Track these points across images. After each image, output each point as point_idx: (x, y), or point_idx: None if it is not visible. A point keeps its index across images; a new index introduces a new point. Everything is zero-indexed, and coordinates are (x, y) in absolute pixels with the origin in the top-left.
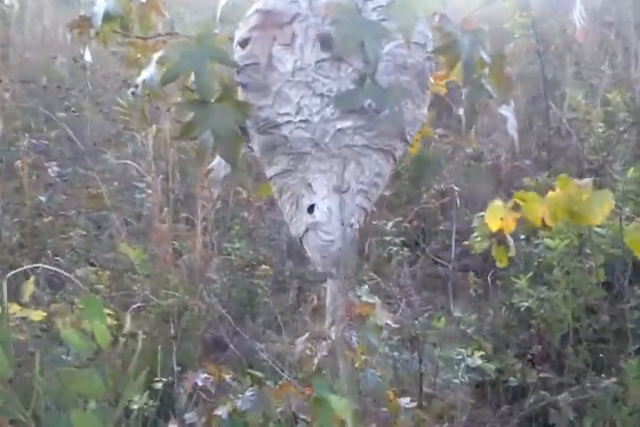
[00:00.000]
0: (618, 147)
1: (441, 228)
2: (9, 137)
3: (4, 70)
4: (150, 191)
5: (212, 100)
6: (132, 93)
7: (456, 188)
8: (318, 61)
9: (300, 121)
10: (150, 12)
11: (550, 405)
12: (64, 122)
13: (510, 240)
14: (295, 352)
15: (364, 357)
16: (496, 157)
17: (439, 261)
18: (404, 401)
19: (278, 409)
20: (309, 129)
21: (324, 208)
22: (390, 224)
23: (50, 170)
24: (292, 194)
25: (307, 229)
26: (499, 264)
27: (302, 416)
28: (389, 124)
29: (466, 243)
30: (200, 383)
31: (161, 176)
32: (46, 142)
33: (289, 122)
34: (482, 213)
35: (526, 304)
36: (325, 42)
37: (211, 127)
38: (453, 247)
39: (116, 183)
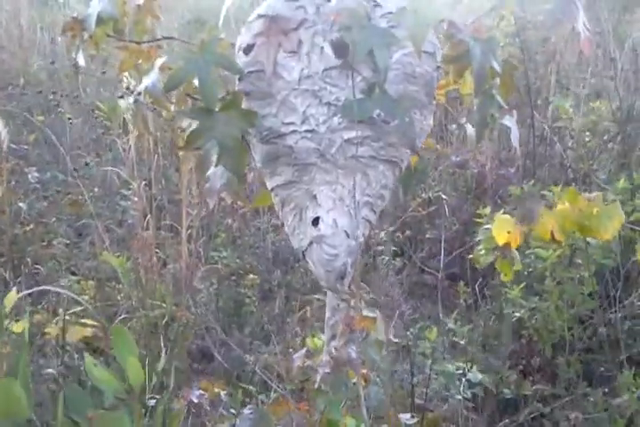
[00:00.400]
0: (602, 155)
1: (428, 236)
2: None
3: None
4: (136, 198)
5: (217, 109)
6: (135, 101)
7: (444, 196)
8: (326, 69)
9: (306, 131)
10: (146, 15)
11: (544, 416)
12: (43, 126)
13: (516, 254)
14: (292, 367)
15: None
16: (481, 165)
17: (427, 269)
18: (405, 417)
19: None
20: (315, 139)
21: (329, 221)
22: (382, 234)
23: (30, 175)
24: (296, 206)
25: (311, 243)
26: (503, 278)
27: None
28: (399, 135)
29: (470, 256)
30: (195, 400)
31: (144, 182)
32: (26, 147)
33: (294, 131)
34: (487, 226)
35: (518, 315)
36: (339, 49)
37: (215, 137)
38: (442, 256)
39: (96, 189)
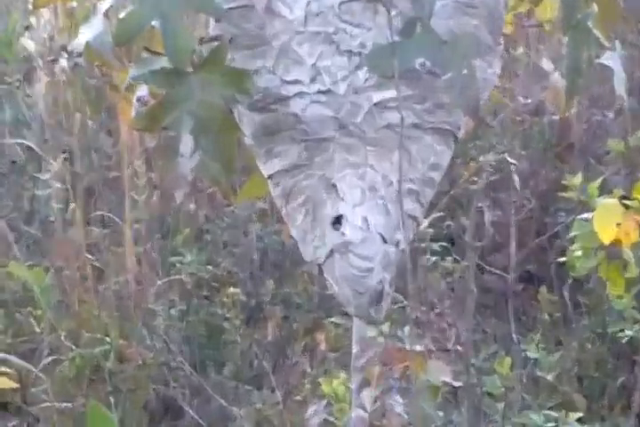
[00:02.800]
0: None
1: (489, 219)
2: None
3: None
4: (58, 184)
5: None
6: (75, 64)
7: (511, 160)
8: (343, 2)
9: (318, 92)
10: None
11: None
12: None
13: (630, 255)
14: None
15: None
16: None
17: (487, 267)
18: None
19: None
20: (332, 104)
21: (356, 221)
22: (426, 223)
23: None
24: (307, 200)
25: (331, 252)
26: (611, 290)
27: None
28: (455, 93)
29: (562, 259)
30: None
31: (62, 155)
32: None
33: (300, 93)
34: (585, 215)
35: (630, 333)
36: None
37: (191, 110)
38: (513, 249)
39: None
